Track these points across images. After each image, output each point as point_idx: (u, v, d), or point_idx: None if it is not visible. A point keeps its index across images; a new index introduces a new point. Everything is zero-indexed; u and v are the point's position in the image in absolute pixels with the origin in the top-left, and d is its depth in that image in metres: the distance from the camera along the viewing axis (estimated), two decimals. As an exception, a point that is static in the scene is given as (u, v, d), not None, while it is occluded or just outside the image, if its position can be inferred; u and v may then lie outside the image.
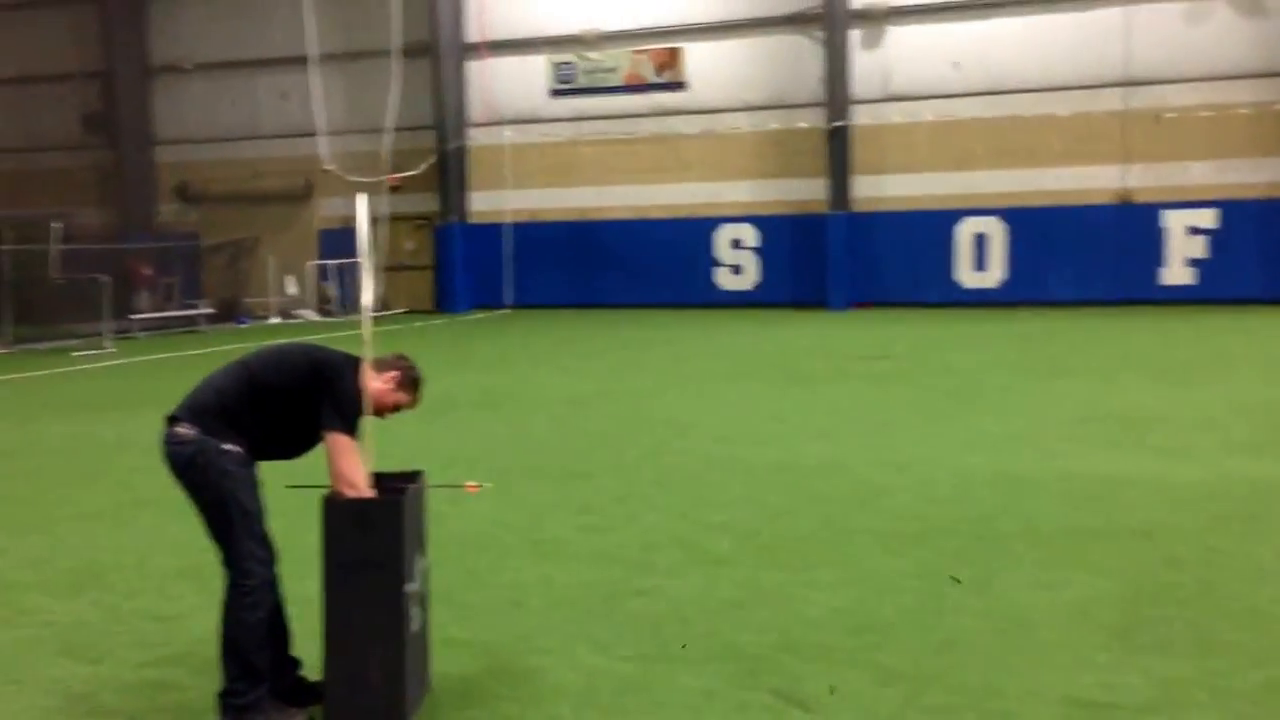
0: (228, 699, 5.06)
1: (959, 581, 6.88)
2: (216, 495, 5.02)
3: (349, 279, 31.85)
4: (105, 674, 5.87)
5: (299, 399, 5.09)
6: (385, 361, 5.39)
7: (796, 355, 19.65)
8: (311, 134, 32.05)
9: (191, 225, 34.77)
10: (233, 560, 5.06)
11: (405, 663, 4.99)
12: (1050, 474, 9.82)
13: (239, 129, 34.67)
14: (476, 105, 32.59)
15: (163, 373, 19.76)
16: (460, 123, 32.48)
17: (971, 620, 6.29)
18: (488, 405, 14.80)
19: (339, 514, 4.97)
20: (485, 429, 13.03)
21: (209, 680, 5.42)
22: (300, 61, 32.01)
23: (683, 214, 30.93)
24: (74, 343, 24.53)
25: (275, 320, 31.45)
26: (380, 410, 5.30)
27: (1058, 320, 24.43)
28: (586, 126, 31.64)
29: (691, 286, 30.80)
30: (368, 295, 5.45)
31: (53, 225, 26.26)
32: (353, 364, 5.18)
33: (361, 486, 4.99)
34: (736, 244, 30.58)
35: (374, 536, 4.95)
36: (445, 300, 32.48)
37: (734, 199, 30.59)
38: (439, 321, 29.74)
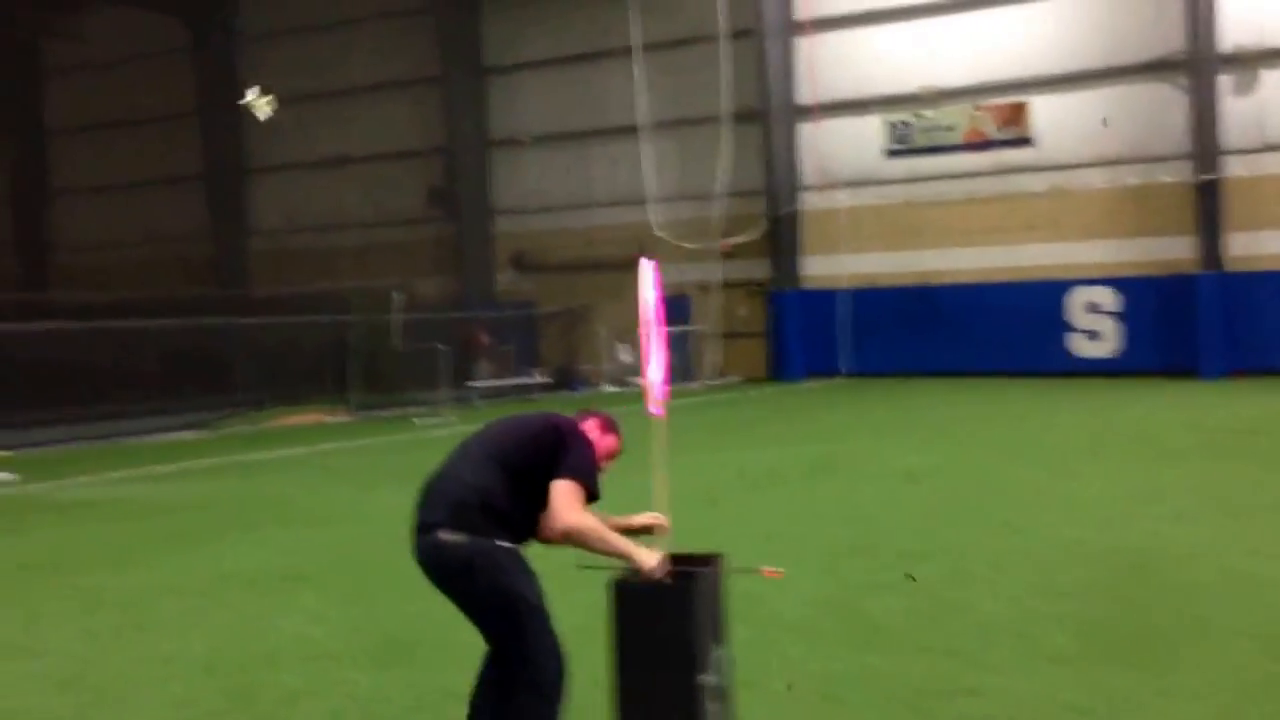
0: None
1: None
2: (500, 598, 4.74)
3: (683, 346, 31.94)
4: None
5: (551, 473, 4.82)
6: (584, 414, 5.22)
7: (1161, 428, 18.13)
8: (644, 201, 32.33)
9: (527, 294, 35.62)
10: (525, 657, 4.73)
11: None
12: None
13: (573, 198, 35.33)
14: (809, 168, 32.17)
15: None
16: (793, 186, 32.14)
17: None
18: (818, 477, 14.24)
19: (627, 598, 4.61)
20: (814, 503, 12.46)
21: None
22: (633, 130, 32.43)
23: (1031, 276, 29.45)
24: (415, 410, 25.24)
25: (609, 388, 31.68)
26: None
27: None
28: (925, 187, 30.68)
29: (1043, 354, 29.17)
30: (655, 369, 5.07)
31: (394, 295, 27.31)
32: (577, 422, 5.07)
33: (585, 522, 4.70)
34: (1093, 308, 28.83)
35: (664, 623, 4.58)
36: (780, 368, 32.04)
37: (1088, 260, 28.90)
38: (773, 390, 29.39)
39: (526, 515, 4.82)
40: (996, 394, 24.94)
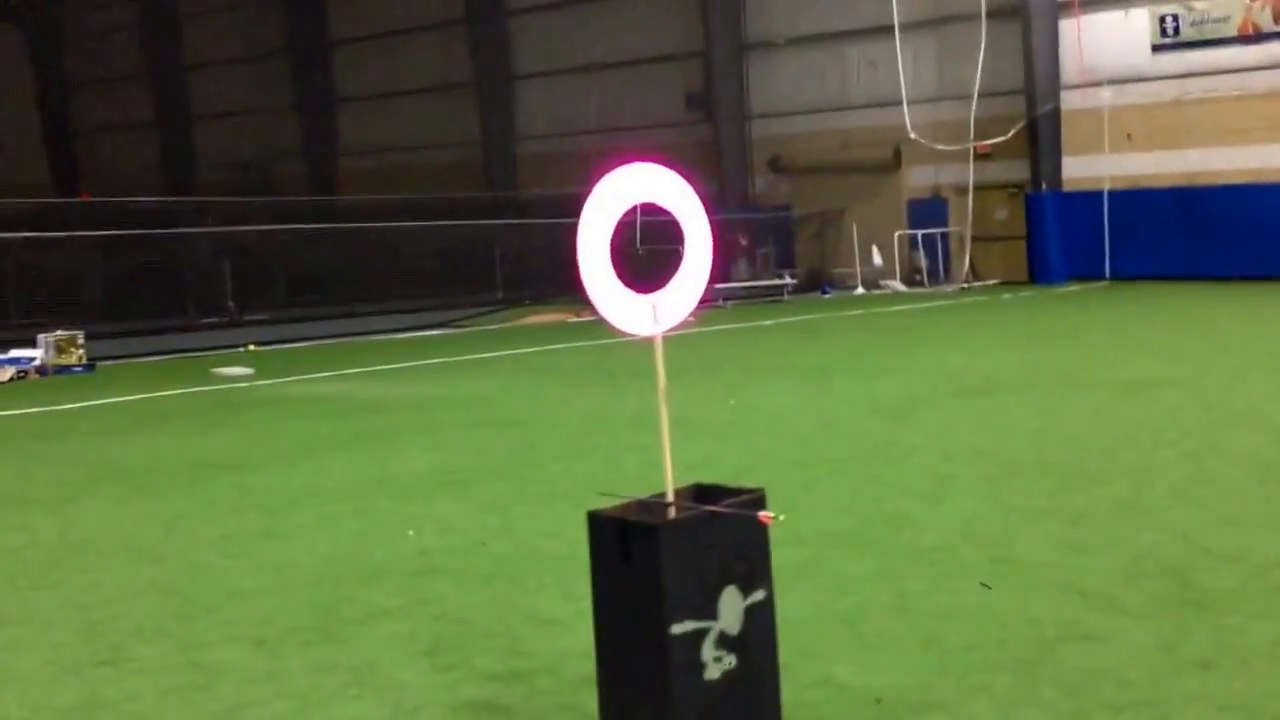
0: None
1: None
2: None
3: (939, 249, 31.29)
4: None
5: None
6: None
7: None
8: (899, 103, 31.43)
9: (784, 196, 35.30)
10: None
11: (679, 712, 4.12)
12: None
13: (828, 101, 34.74)
14: (1070, 66, 30.60)
15: (736, 341, 20.26)
16: (1053, 85, 30.81)
17: None
18: (1029, 386, 13.51)
19: (602, 533, 4.19)
20: (1012, 415, 11.73)
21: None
22: (889, 30, 31.45)
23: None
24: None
25: (860, 291, 31.38)
26: None
27: None
28: (1194, 83, 28.87)
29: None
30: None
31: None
32: None
33: None
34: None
35: (635, 565, 4.10)
36: (1038, 271, 31.05)
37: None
38: (1027, 294, 28.37)
39: None
40: (1263, 300, 23.27)
